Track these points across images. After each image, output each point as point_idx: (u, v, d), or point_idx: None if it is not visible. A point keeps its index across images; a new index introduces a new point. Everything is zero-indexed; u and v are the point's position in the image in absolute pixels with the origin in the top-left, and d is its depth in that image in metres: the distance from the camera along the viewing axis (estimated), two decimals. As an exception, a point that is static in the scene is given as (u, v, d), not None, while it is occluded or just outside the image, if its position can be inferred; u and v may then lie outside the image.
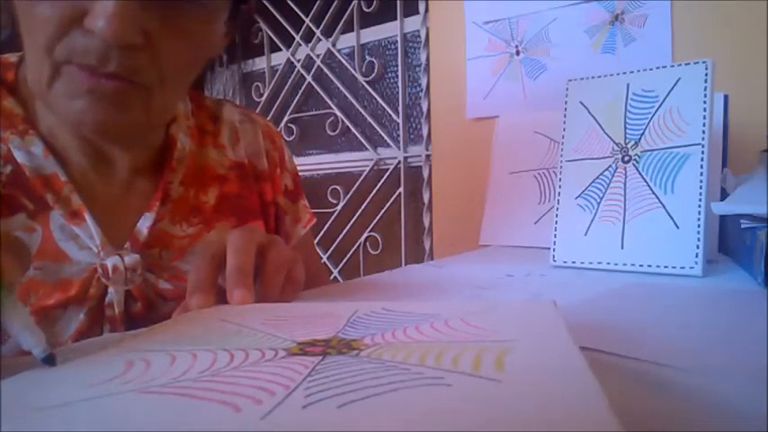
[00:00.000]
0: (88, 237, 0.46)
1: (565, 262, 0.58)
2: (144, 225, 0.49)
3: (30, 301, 0.43)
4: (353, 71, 1.31)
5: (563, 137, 0.62)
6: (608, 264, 0.56)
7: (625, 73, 0.59)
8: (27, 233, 0.44)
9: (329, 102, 1.36)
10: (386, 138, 1.26)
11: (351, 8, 1.30)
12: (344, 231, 1.34)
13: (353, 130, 1.32)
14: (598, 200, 0.58)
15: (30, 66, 0.44)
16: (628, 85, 0.58)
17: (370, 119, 1.29)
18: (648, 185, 0.55)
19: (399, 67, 1.23)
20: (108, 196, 0.49)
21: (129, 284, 0.46)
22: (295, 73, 1.41)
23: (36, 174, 0.45)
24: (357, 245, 1.32)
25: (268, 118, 1.40)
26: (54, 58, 0.39)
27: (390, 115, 1.26)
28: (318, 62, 1.36)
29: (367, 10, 1.28)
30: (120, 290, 0.46)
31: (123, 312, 0.46)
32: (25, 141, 0.46)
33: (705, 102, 0.53)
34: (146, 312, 0.48)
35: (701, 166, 0.53)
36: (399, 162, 1.24)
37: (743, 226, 0.49)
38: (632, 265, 0.54)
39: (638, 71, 0.58)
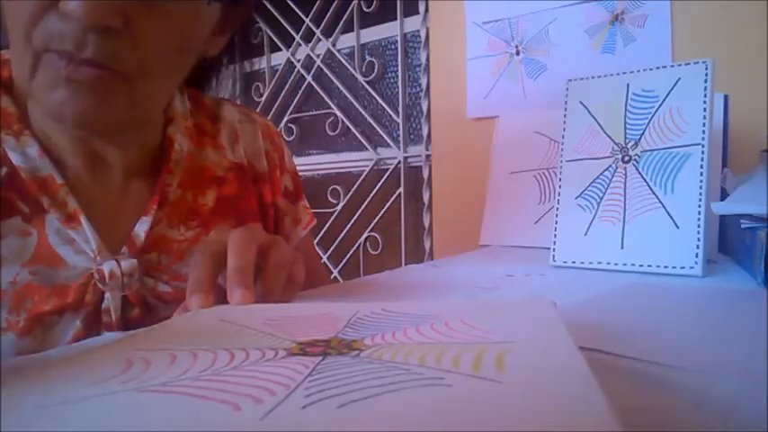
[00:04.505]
0: (84, 241, 0.45)
1: (565, 262, 0.58)
2: (141, 229, 0.48)
3: (25, 306, 0.42)
4: (353, 71, 1.31)
5: (563, 137, 0.62)
6: (608, 264, 0.56)
7: (625, 73, 0.59)
8: (22, 237, 0.43)
9: (329, 102, 1.36)
10: (386, 138, 1.26)
11: (351, 8, 1.30)
12: (344, 231, 1.34)
13: (353, 130, 1.32)
14: (598, 200, 0.58)
15: (13, 58, 0.43)
16: (628, 85, 0.58)
17: (370, 119, 1.29)
18: (648, 185, 0.55)
19: (399, 67, 1.23)
20: (104, 199, 0.48)
21: (126, 290, 0.45)
22: (295, 73, 1.41)
23: (31, 176, 0.44)
24: (357, 245, 1.32)
25: (268, 118, 1.40)
26: (33, 47, 0.39)
27: (390, 115, 1.26)
28: (318, 62, 1.36)
29: (367, 10, 1.28)
30: (116, 295, 0.45)
31: (120, 318, 0.45)
32: (20, 142, 0.44)
33: (705, 102, 0.53)
34: (144, 317, 0.47)
35: (701, 166, 0.52)
36: (399, 162, 1.24)
37: (743, 226, 0.49)
38: (632, 265, 0.54)
39: (638, 71, 0.58)
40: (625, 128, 0.58)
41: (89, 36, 0.38)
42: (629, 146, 0.57)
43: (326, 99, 1.36)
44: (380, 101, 1.27)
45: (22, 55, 0.40)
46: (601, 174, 0.58)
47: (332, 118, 1.36)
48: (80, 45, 0.38)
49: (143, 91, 0.43)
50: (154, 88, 0.44)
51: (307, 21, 1.36)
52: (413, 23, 1.20)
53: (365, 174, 1.30)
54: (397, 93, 1.24)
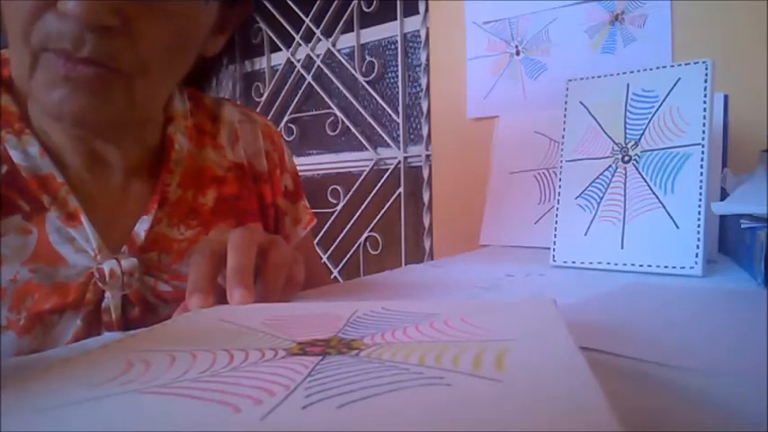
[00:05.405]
0: (84, 240, 0.45)
1: (565, 262, 0.58)
2: (141, 228, 0.48)
3: (25, 304, 0.42)
4: (353, 71, 1.31)
5: (563, 137, 0.62)
6: (608, 264, 0.55)
7: (625, 73, 0.59)
8: (22, 235, 0.43)
9: (329, 102, 1.36)
10: (386, 138, 1.26)
11: (351, 8, 1.30)
12: (344, 231, 1.34)
13: (353, 130, 1.32)
14: (598, 200, 0.58)
15: (12, 58, 0.43)
16: (628, 85, 0.58)
17: (370, 119, 1.29)
18: (648, 185, 0.55)
19: (399, 67, 1.23)
20: (104, 198, 0.48)
21: (126, 289, 0.45)
22: (295, 73, 1.41)
23: (32, 174, 0.44)
24: (357, 245, 1.32)
25: (268, 118, 1.40)
26: (31, 46, 0.39)
27: (390, 115, 1.26)
28: (318, 62, 1.36)
29: (367, 10, 1.28)
30: (117, 294, 0.45)
31: (120, 317, 0.46)
32: (21, 141, 0.44)
33: (705, 102, 0.53)
34: (144, 317, 0.47)
35: (701, 166, 0.52)
36: (399, 162, 1.24)
37: (743, 226, 0.49)
38: (632, 265, 0.54)
39: (638, 71, 0.58)
40: (625, 128, 0.58)
41: (87, 35, 0.38)
42: (629, 146, 0.57)
43: (326, 99, 1.36)
44: (380, 101, 1.27)
45: (20, 54, 0.40)
46: (601, 174, 0.58)
47: (332, 118, 1.36)
48: (78, 44, 0.38)
49: (141, 90, 0.43)
50: (152, 87, 0.44)
51: (307, 21, 1.36)
52: (413, 23, 1.20)
53: (365, 174, 1.30)
54: (397, 93, 1.24)
